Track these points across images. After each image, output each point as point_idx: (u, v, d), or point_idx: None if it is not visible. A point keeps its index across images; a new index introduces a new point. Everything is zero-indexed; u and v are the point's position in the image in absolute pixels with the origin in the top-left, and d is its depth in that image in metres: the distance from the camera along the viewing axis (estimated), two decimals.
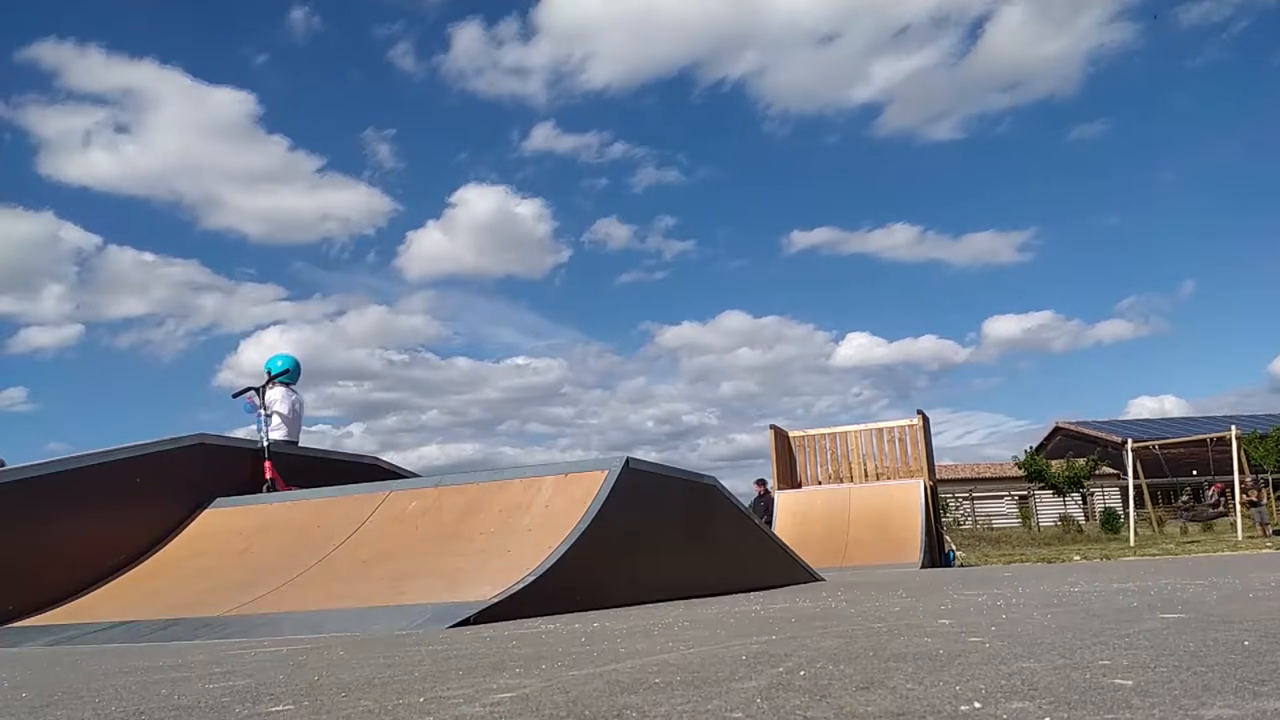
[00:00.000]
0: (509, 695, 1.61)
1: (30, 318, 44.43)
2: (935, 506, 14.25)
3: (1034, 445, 37.89)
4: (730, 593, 5.57)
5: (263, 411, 6.83)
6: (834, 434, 15.09)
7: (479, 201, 49.30)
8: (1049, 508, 31.76)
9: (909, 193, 54.97)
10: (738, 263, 54.74)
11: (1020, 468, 32.99)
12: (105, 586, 5.18)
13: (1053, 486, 31.65)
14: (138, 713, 1.65)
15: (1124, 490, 23.74)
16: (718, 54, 49.45)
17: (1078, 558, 12.35)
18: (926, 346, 56.61)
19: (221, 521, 5.84)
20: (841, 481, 14.49)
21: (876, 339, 57.82)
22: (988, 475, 37.81)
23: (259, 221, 50.22)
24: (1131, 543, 17.12)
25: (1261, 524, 18.96)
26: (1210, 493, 23.04)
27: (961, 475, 36.77)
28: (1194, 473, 25.70)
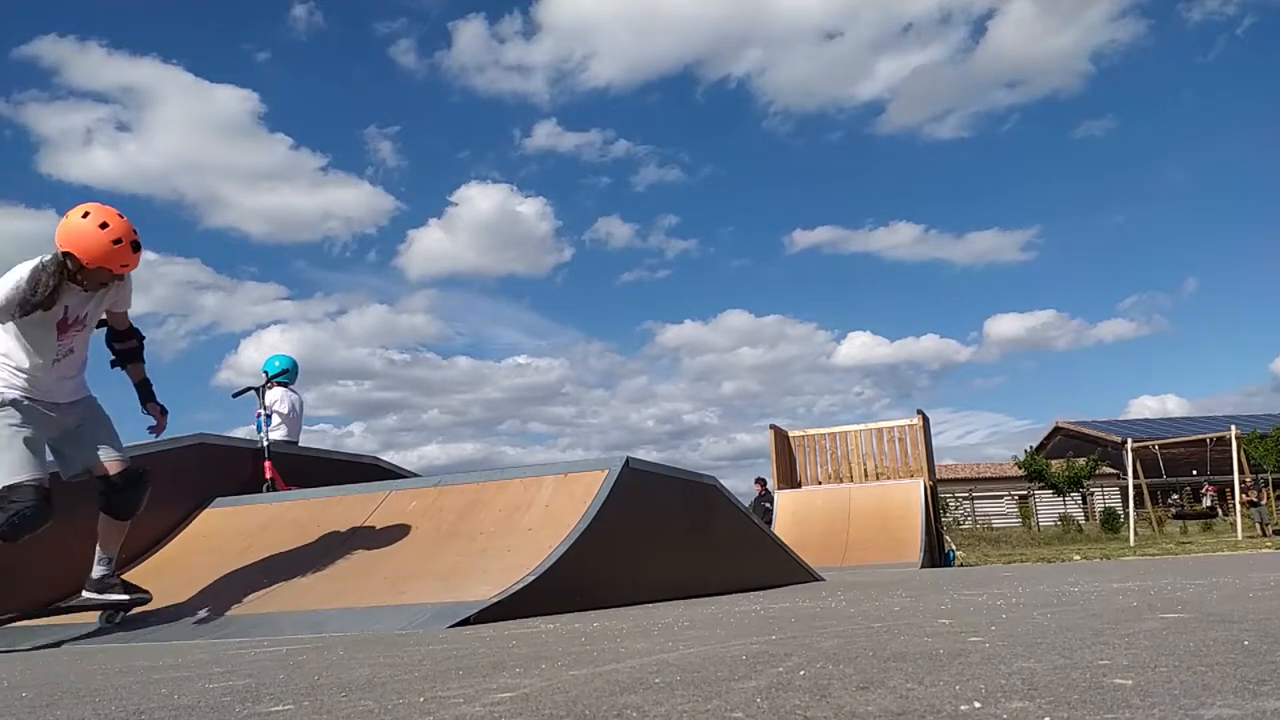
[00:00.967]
0: (509, 695, 1.61)
1: None
2: (935, 506, 14.26)
3: (1034, 445, 37.91)
4: (730, 592, 5.57)
5: (262, 411, 6.83)
6: (834, 434, 15.09)
7: (481, 200, 49.30)
8: (1049, 507, 31.77)
9: (912, 191, 54.99)
10: (739, 262, 54.76)
11: (1020, 467, 33.01)
12: None
13: (1053, 486, 31.67)
14: (138, 713, 1.65)
15: (1124, 490, 23.74)
16: (721, 51, 49.50)
17: (1077, 557, 12.35)
18: (928, 346, 56.67)
19: (221, 521, 5.84)
20: (841, 481, 14.49)
21: (878, 338, 57.90)
22: (988, 475, 37.82)
23: (261, 220, 50.29)
24: (1131, 542, 17.12)
25: (1261, 524, 18.96)
26: (1204, 493, 23.09)
27: (961, 475, 36.78)
28: (1194, 473, 25.74)
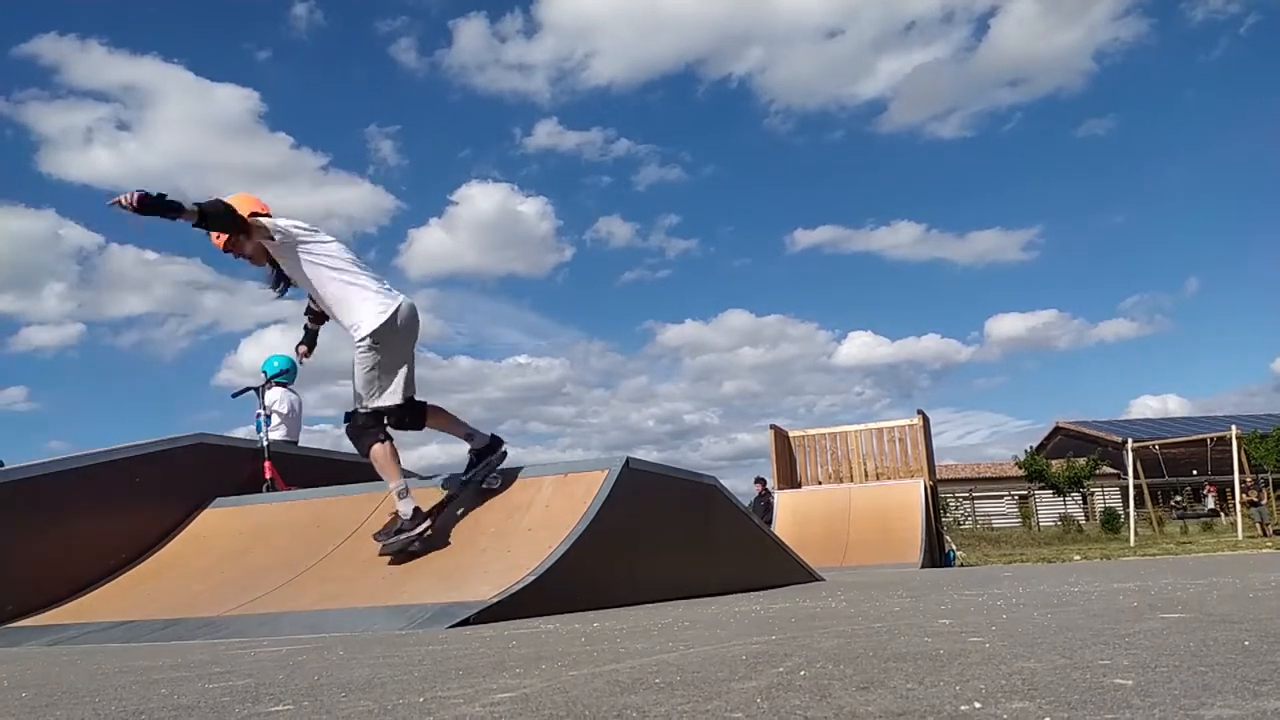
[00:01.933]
0: (509, 695, 1.60)
1: (31, 316, 44.44)
2: (935, 506, 14.25)
3: (1034, 445, 37.91)
4: (730, 593, 5.57)
5: (262, 412, 6.84)
6: (834, 434, 15.09)
7: (482, 199, 49.29)
8: (1049, 508, 31.78)
9: (913, 190, 54.98)
10: (740, 261, 54.77)
11: (1020, 468, 33.01)
12: (105, 586, 5.18)
13: (1053, 486, 31.67)
14: (137, 713, 1.65)
15: (1124, 490, 23.75)
16: (722, 50, 49.48)
17: (1078, 558, 12.35)
18: (929, 345, 56.67)
19: (221, 521, 5.83)
20: (841, 481, 14.49)
21: (879, 338, 57.89)
22: (988, 475, 37.81)
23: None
24: (1132, 543, 17.12)
25: (1261, 524, 18.95)
26: (1205, 494, 23.08)
27: (962, 475, 36.76)
28: (1194, 473, 25.72)
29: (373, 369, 4.51)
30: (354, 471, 6.92)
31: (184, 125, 43.40)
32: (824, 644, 2.19)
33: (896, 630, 2.47)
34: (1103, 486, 34.21)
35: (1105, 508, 27.49)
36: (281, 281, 4.69)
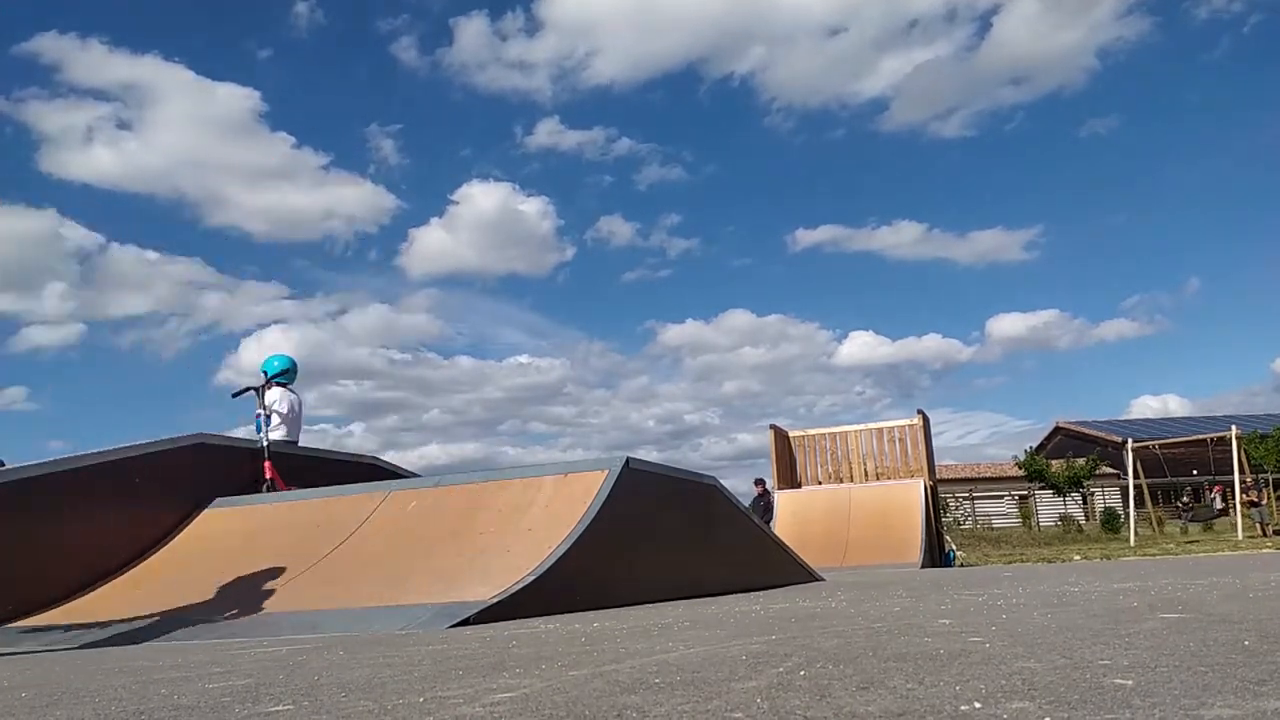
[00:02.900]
0: (509, 695, 1.60)
1: (32, 316, 44.40)
2: (935, 506, 14.25)
3: (1034, 445, 37.90)
4: (730, 593, 5.57)
5: (262, 412, 6.84)
6: (834, 434, 15.08)
7: (482, 199, 49.24)
8: (1049, 508, 31.75)
9: (914, 189, 54.94)
10: (742, 261, 54.73)
11: (1020, 467, 32.99)
12: (105, 586, 5.18)
13: (1053, 486, 31.65)
14: (138, 713, 1.65)
15: (1124, 490, 23.75)
16: (723, 48, 49.40)
17: (1078, 558, 12.35)
18: (930, 345, 56.59)
19: (221, 521, 5.84)
20: (841, 481, 14.49)
21: (880, 338, 57.80)
22: (988, 475, 37.79)
23: (262, 219, 50.27)
24: (1132, 543, 17.11)
25: (1261, 524, 18.95)
26: (1213, 495, 23.03)
27: (962, 475, 36.75)
28: (1194, 473, 25.70)
29: None
30: (354, 471, 6.94)
31: (185, 124, 43.34)
32: (824, 644, 2.19)
33: (896, 630, 2.47)
34: (1103, 486, 34.21)
35: (1105, 508, 27.49)
36: None
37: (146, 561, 5.48)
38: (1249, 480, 19.65)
